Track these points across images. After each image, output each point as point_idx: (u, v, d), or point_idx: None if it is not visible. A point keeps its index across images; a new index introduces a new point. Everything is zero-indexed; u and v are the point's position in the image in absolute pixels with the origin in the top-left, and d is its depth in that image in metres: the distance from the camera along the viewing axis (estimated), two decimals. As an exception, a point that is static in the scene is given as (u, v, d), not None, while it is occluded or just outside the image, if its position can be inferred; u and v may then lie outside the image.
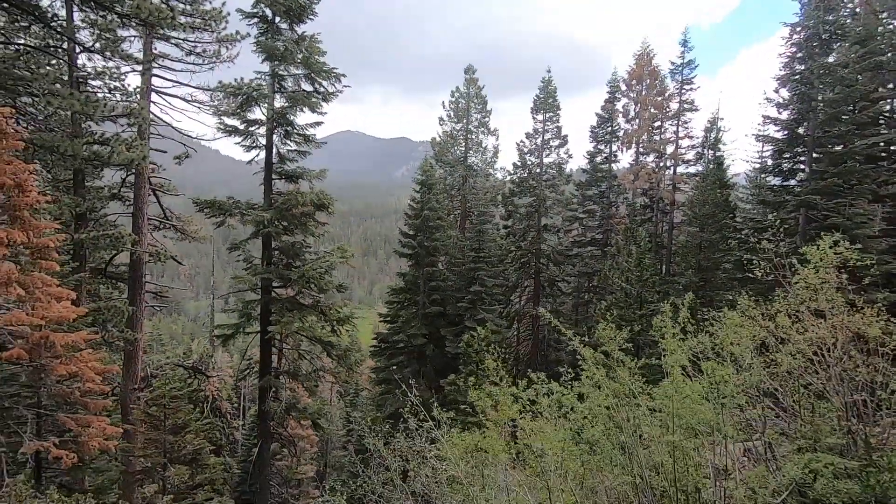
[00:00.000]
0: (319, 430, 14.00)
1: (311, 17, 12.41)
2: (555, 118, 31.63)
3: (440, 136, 29.41)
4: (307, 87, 12.46)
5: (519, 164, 31.72)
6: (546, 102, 31.37)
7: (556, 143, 31.76)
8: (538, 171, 31.83)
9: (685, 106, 28.57)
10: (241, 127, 11.59)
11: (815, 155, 14.43)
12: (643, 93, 28.45)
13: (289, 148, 12.58)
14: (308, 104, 12.02)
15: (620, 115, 29.61)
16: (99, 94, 15.25)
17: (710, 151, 28.54)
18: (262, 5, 12.20)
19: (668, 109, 28.54)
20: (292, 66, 12.02)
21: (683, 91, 28.39)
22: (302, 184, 13.08)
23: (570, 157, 31.59)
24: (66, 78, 14.66)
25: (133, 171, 15.92)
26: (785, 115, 15.21)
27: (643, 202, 30.74)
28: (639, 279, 20.71)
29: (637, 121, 28.90)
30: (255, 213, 11.31)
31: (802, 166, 14.81)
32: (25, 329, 9.51)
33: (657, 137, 28.76)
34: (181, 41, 14.89)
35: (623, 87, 29.31)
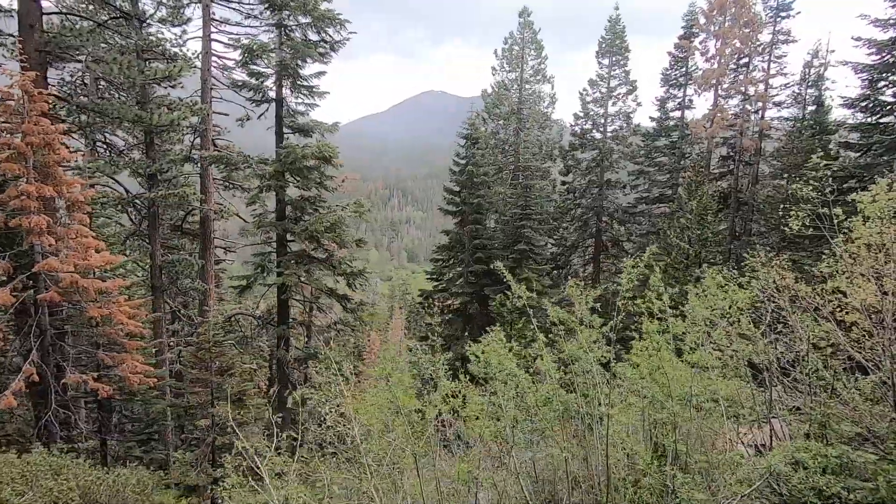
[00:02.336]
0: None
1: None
2: (622, 62, 28.72)
3: (493, 87, 27.94)
4: (314, 36, 12.16)
5: (581, 114, 29.41)
6: (613, 44, 28.51)
7: (624, 90, 28.94)
8: (602, 121, 29.33)
9: (780, 37, 24.40)
10: (248, 80, 11.63)
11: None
12: (727, 24, 24.63)
13: (298, 101, 12.50)
14: (312, 54, 11.73)
15: (698, 52, 26.04)
16: (158, 64, 15.89)
17: (810, 91, 24.33)
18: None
19: (757, 42, 24.54)
20: (298, 14, 11.73)
21: (779, 19, 24.20)
22: (317, 138, 13.00)
23: (638, 105, 28.76)
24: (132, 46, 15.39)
25: (198, 134, 16.86)
26: (887, 35, 12.13)
27: (725, 153, 27.23)
28: (699, 238, 18.56)
29: (718, 58, 25.23)
30: (258, 166, 11.47)
31: (903, 99, 11.89)
32: (59, 275, 10.60)
33: (742, 77, 24.99)
34: (239, 4, 14.88)
35: (702, 20, 25.58)
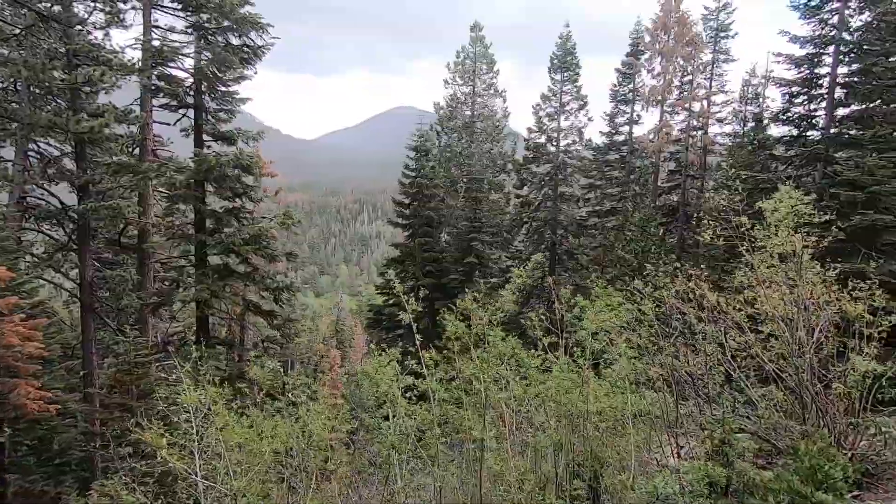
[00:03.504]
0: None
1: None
2: (574, 78, 29.12)
3: (445, 100, 27.91)
4: (235, 41, 11.69)
5: (535, 128, 29.63)
6: (564, 61, 28.90)
7: (576, 105, 29.30)
8: (556, 135, 29.63)
9: (720, 56, 25.26)
10: (160, 84, 11.04)
11: (836, 97, 11.88)
12: (670, 43, 25.36)
13: (218, 107, 11.94)
14: (231, 60, 11.25)
15: (644, 70, 26.69)
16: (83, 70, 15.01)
17: (749, 107, 25.19)
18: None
19: (699, 61, 25.34)
20: (216, 16, 11.25)
21: (718, 39, 25.06)
22: (242, 146, 12.44)
23: (590, 120, 29.12)
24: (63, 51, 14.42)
25: (136, 144, 15.92)
26: (803, 51, 12.55)
27: (673, 167, 27.84)
28: (642, 249, 18.70)
29: (663, 76, 25.90)
30: (172, 176, 10.84)
31: (822, 112, 12.28)
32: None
33: (686, 94, 25.70)
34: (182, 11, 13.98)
35: (647, 39, 26.29)
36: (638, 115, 27.03)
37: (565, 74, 29.16)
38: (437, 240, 23.69)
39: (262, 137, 12.34)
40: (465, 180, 28.56)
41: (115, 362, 16.08)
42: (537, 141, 29.53)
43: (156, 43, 10.65)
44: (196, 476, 4.23)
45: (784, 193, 6.85)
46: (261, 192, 12.38)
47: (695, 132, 26.30)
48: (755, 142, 22.79)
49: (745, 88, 25.16)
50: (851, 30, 11.82)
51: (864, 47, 11.53)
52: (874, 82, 11.83)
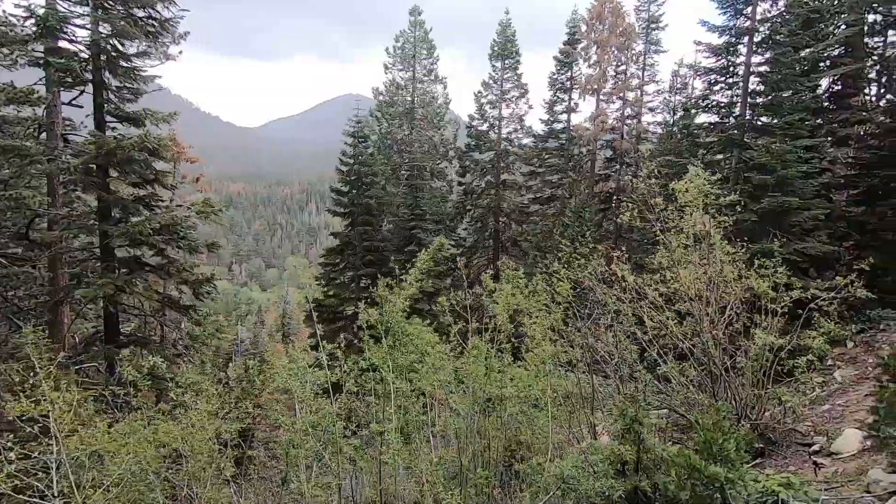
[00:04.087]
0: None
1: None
2: (514, 65, 29.23)
3: (385, 85, 27.26)
4: (139, 12, 10.69)
5: (477, 115, 29.56)
6: (504, 48, 28.92)
7: (517, 93, 29.48)
8: (498, 123, 29.71)
9: (652, 47, 26.07)
10: (54, 60, 9.91)
11: (751, 86, 12.47)
12: (605, 33, 25.90)
13: (121, 85, 10.92)
14: (133, 32, 10.26)
15: (581, 59, 27.15)
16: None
17: (678, 97, 26.23)
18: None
19: (632, 51, 26.05)
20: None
21: (650, 30, 25.83)
22: (152, 127, 11.44)
23: (530, 108, 29.41)
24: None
25: (44, 128, 14.28)
26: (721, 40, 13.07)
27: (609, 155, 28.61)
28: (578, 235, 19.07)
29: (599, 65, 26.45)
30: (66, 160, 9.84)
31: (737, 100, 12.87)
32: None
33: (620, 83, 26.39)
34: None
35: (584, 28, 26.73)
36: (576, 104, 27.53)
37: (506, 62, 29.20)
38: (378, 229, 23.20)
39: (175, 119, 11.41)
40: (406, 168, 28.14)
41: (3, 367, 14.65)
42: (479, 128, 29.51)
43: (41, 12, 9.51)
44: (51, 492, 3.73)
45: (693, 174, 7.01)
46: (178, 178, 11.48)
47: (629, 121, 27.12)
48: (683, 129, 23.79)
49: (675, 79, 26.16)
50: (765, 20, 12.37)
51: (775, 38, 12.10)
52: (784, 72, 12.45)
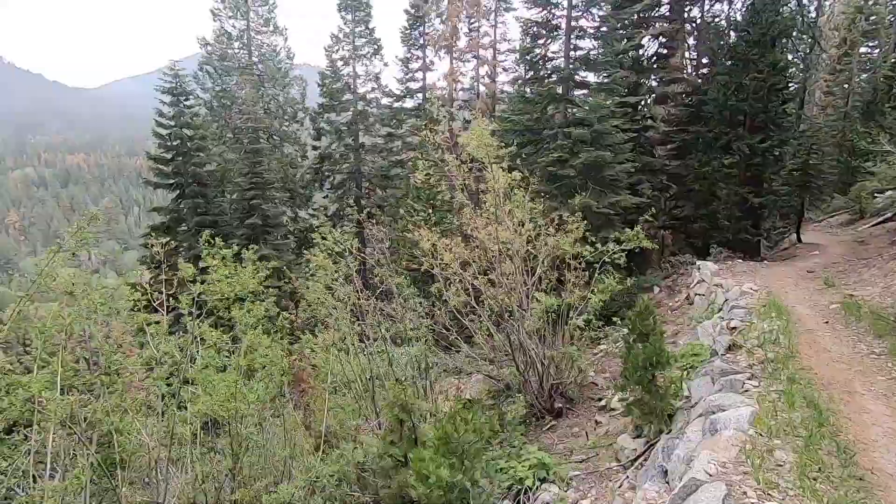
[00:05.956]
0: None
1: None
2: (365, 18, 27.23)
3: (215, 34, 23.73)
4: None
5: (329, 72, 27.21)
6: (354, -2, 26.70)
7: (370, 49, 27.63)
8: (352, 82, 27.71)
9: (502, 4, 25.71)
10: None
11: (572, 41, 12.39)
12: (454, -14, 24.95)
13: None
14: None
15: (434, 13, 26.01)
16: None
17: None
18: None
19: (482, 8, 25.48)
20: None
21: (499, -14, 25.38)
22: None
23: (385, 65, 27.85)
24: None
25: None
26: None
27: (466, 116, 28.27)
28: (428, 199, 18.44)
29: (450, 21, 25.56)
30: None
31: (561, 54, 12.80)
32: None
33: (472, 41, 25.83)
34: None
35: (434, -21, 25.49)
36: (431, 62, 26.54)
37: (356, 14, 27.08)
38: (213, 201, 20.51)
39: None
40: (249, 132, 25.20)
41: None
42: (333, 87, 27.29)
43: None
44: None
45: (475, 126, 6.36)
46: None
47: (485, 79, 26.85)
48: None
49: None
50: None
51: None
52: (601, 28, 12.49)
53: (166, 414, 5.64)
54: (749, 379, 4.54)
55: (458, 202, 7.29)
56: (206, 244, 6.60)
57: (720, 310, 7.48)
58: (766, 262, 12.92)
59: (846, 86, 25.61)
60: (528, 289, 7.29)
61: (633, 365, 4.50)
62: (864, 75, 26.21)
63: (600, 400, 6.97)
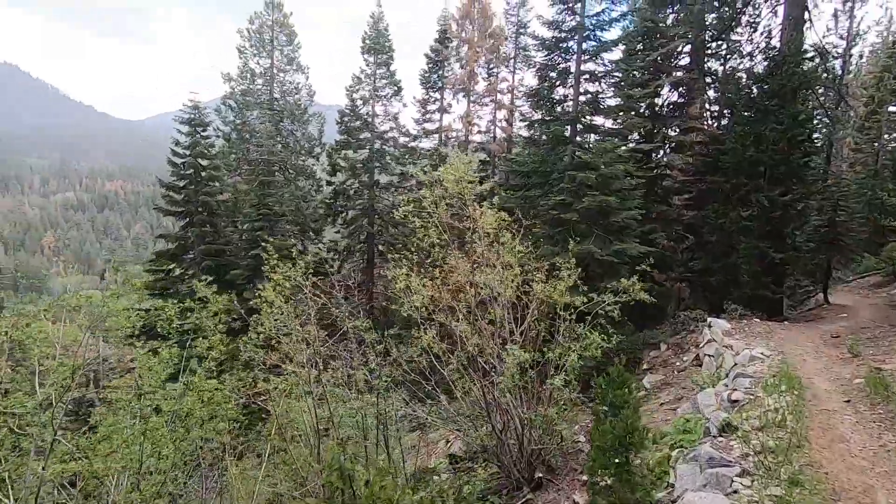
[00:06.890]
0: None
1: None
2: (388, 61, 27.88)
3: (239, 70, 24.53)
4: None
5: (349, 111, 27.74)
6: (377, 42, 27.44)
7: (390, 91, 28.16)
8: (371, 121, 28.16)
9: (521, 52, 26.06)
10: None
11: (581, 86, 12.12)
12: (473, 33, 25.48)
13: None
14: None
15: (453, 58, 26.51)
16: None
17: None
18: None
19: (502, 54, 25.88)
20: None
21: (519, 34, 25.82)
22: None
23: (404, 106, 28.19)
24: None
25: None
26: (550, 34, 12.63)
27: (483, 158, 28.25)
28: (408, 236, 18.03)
29: (469, 65, 25.98)
30: None
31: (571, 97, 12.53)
32: None
33: (491, 85, 26.12)
34: None
35: (454, 27, 26.15)
36: (448, 104, 26.82)
37: (379, 57, 27.78)
38: (222, 230, 20.55)
39: None
40: (264, 164, 25.56)
41: None
42: (352, 124, 27.74)
43: None
44: None
45: (454, 159, 5.94)
46: None
47: (502, 122, 26.96)
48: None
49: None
50: (593, 16, 12.09)
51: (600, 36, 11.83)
52: (615, 73, 12.23)
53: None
54: (740, 476, 3.72)
55: (430, 241, 6.79)
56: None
57: (726, 376, 6.64)
58: (787, 322, 11.94)
59: (875, 144, 24.79)
60: (504, 339, 6.63)
61: (601, 445, 3.78)
62: (894, 134, 25.39)
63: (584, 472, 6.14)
